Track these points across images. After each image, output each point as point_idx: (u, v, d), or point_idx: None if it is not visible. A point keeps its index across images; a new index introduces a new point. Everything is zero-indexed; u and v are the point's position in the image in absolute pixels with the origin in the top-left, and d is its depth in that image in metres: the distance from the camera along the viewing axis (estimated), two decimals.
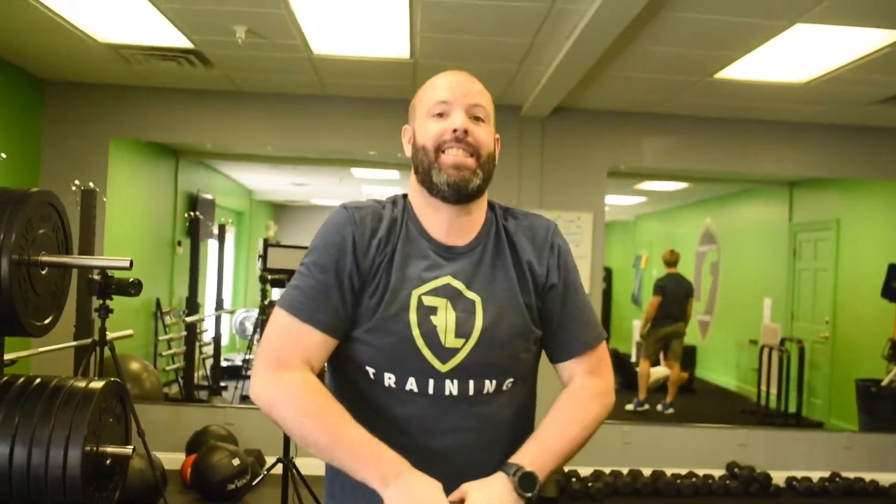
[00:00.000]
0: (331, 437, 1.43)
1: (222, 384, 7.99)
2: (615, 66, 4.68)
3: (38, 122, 5.64)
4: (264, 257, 4.23)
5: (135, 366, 5.90)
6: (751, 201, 9.77)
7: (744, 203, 9.94)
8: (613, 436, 5.91)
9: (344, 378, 1.59)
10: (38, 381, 2.50)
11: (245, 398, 7.73)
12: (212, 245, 8.81)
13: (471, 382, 1.53)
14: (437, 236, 1.60)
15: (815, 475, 5.87)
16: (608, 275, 14.45)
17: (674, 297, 8.20)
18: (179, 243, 8.08)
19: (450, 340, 1.52)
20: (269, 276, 6.91)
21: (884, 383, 6.57)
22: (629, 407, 8.20)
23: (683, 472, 5.78)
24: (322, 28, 4.20)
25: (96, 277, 3.62)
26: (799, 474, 5.87)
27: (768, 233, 9.30)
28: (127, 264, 2.47)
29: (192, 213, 7.28)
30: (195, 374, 7.41)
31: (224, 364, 8.47)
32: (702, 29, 3.99)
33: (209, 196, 8.89)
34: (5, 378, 2.49)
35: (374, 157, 6.48)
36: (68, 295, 2.65)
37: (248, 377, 6.82)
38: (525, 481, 1.44)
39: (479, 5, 3.79)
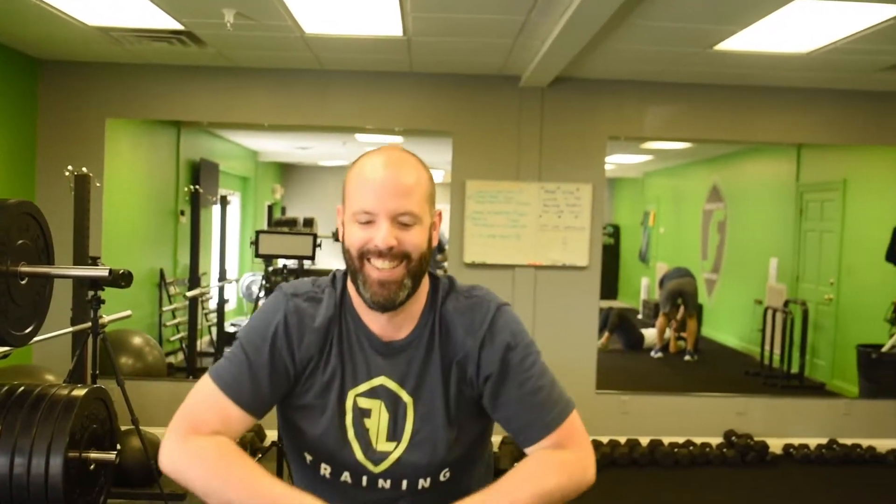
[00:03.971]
0: (244, 493, 1.40)
1: (227, 350, 8.05)
2: (613, 38, 4.59)
3: (34, 102, 5.60)
4: (256, 243, 4.21)
5: (137, 340, 5.95)
6: (758, 160, 9.68)
7: (751, 161, 9.85)
8: (611, 405, 5.94)
9: (290, 456, 1.65)
10: (21, 389, 2.53)
11: None
12: (216, 212, 8.82)
13: (404, 482, 1.56)
14: (375, 329, 1.56)
15: (813, 442, 5.90)
16: (616, 232, 14.43)
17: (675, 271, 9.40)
18: (182, 212, 8.09)
19: (381, 444, 1.55)
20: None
21: (884, 349, 6.56)
22: (653, 354, 9.20)
23: (681, 440, 5.83)
24: (310, 9, 4.13)
25: None
26: (797, 441, 5.90)
27: (775, 192, 9.23)
28: (106, 273, 2.48)
29: (192, 187, 7.27)
30: (199, 342, 7.48)
31: (230, 329, 8.53)
32: (699, 4, 3.90)
33: (213, 161, 8.88)
34: None
35: (371, 128, 6.43)
36: (50, 302, 2.67)
37: None
38: None
39: None
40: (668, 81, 5.77)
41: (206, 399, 1.52)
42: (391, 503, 1.57)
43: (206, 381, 1.53)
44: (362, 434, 1.54)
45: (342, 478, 1.55)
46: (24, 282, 2.51)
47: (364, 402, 1.54)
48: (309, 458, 1.57)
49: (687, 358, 9.00)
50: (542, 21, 4.24)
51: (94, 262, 3.70)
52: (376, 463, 1.54)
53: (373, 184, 1.47)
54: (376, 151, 1.53)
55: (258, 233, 3.90)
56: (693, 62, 5.16)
